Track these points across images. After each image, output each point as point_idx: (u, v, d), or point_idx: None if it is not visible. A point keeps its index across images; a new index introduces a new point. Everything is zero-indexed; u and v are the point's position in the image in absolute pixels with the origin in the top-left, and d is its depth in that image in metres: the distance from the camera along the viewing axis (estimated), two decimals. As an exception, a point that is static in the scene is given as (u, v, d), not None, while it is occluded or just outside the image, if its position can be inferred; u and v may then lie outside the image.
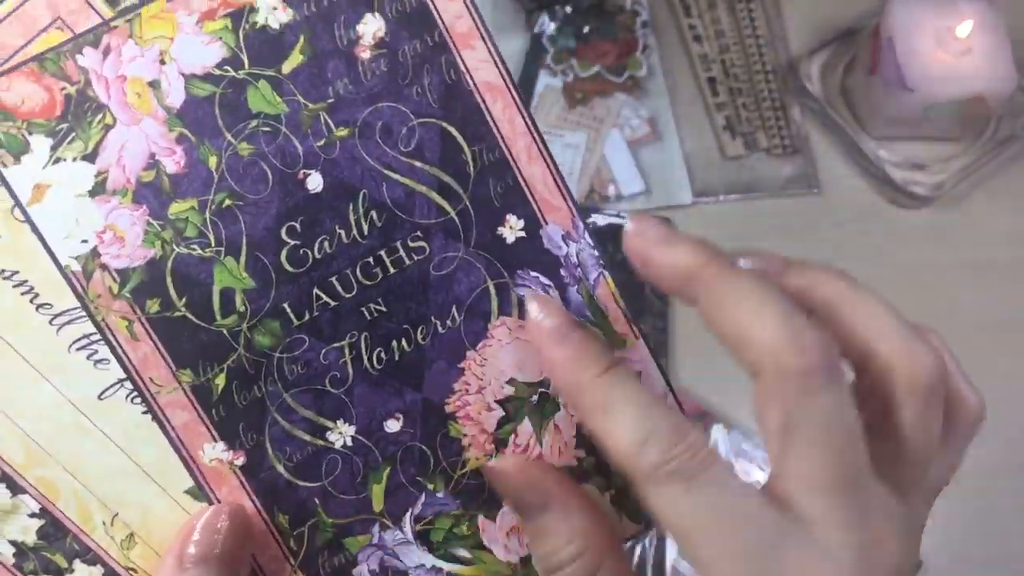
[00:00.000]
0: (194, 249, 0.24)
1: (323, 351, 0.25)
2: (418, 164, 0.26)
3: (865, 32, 0.61)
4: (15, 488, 0.24)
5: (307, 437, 0.26)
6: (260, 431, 0.25)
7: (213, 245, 0.24)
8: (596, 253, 0.27)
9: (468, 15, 0.26)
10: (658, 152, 0.60)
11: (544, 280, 0.27)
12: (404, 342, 0.26)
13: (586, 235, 0.27)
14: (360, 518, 0.26)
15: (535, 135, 0.26)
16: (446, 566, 0.27)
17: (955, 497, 0.59)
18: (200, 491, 0.26)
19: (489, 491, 0.27)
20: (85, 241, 0.24)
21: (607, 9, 0.62)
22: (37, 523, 0.25)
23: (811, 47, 0.62)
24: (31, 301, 0.24)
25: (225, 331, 0.25)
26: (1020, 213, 0.61)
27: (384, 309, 0.26)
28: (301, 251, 0.25)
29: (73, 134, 0.23)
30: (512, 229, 0.26)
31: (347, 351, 0.26)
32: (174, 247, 0.24)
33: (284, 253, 0.25)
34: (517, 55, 0.62)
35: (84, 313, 0.24)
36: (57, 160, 0.23)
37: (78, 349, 0.24)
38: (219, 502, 0.26)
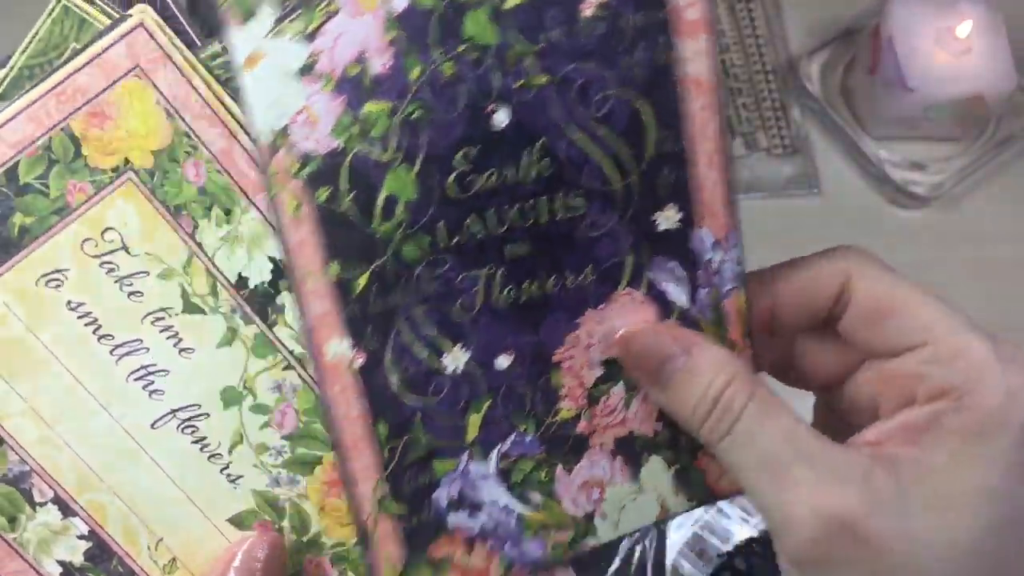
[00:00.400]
0: (374, 151, 0.25)
1: (461, 276, 0.26)
2: (602, 131, 0.26)
3: (865, 32, 0.61)
4: (67, 511, 0.25)
5: (424, 354, 0.26)
6: (384, 338, 0.26)
7: (392, 151, 0.25)
8: (740, 269, 0.28)
9: (700, 4, 0.26)
10: (658, 152, 0.60)
11: (680, 272, 0.27)
12: (535, 285, 0.26)
13: (735, 251, 0.28)
14: (453, 444, 0.27)
15: (722, 143, 0.27)
16: (518, 507, 0.27)
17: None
18: (314, 387, 0.26)
19: (572, 442, 0.28)
20: (281, 117, 0.24)
21: (607, 9, 0.62)
22: (85, 545, 0.25)
23: (811, 47, 0.62)
24: (94, 332, 0.25)
25: (379, 235, 0.25)
26: (1020, 213, 0.61)
27: (526, 251, 0.26)
28: (468, 178, 0.25)
29: (298, 12, 0.24)
30: (668, 219, 0.27)
31: (482, 280, 0.26)
32: (356, 144, 0.25)
33: (453, 176, 0.25)
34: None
35: (143, 345, 0.25)
36: (277, 33, 0.24)
37: (135, 379, 0.25)
38: (333, 405, 0.26)
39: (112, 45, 0.24)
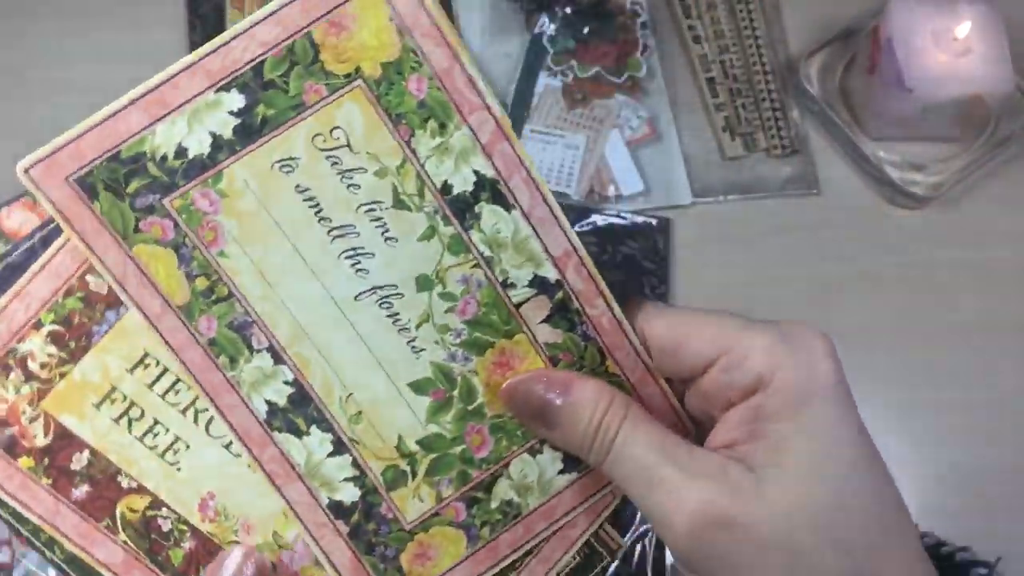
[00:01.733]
0: None
1: None
2: None
3: (864, 32, 0.61)
4: (277, 359, 0.29)
5: None
6: None
7: None
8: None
9: None
10: (658, 153, 0.60)
11: None
12: None
13: None
14: None
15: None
16: None
17: (955, 496, 0.59)
18: (497, 286, 0.30)
19: None
20: None
21: (607, 10, 0.62)
22: (289, 390, 0.29)
23: (810, 47, 0.63)
24: (315, 214, 0.29)
25: None
26: (1019, 213, 0.61)
27: None
28: None
29: None
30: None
31: None
32: None
33: None
34: (517, 56, 0.62)
35: (355, 230, 0.29)
36: None
37: (346, 257, 0.29)
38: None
39: None
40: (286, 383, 0.29)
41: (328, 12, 0.27)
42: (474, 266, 0.29)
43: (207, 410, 0.30)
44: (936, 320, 0.58)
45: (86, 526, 0.30)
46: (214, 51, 0.27)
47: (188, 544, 0.30)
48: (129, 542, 0.30)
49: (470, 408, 0.30)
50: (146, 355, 0.30)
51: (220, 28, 0.61)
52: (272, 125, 0.28)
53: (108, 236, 0.28)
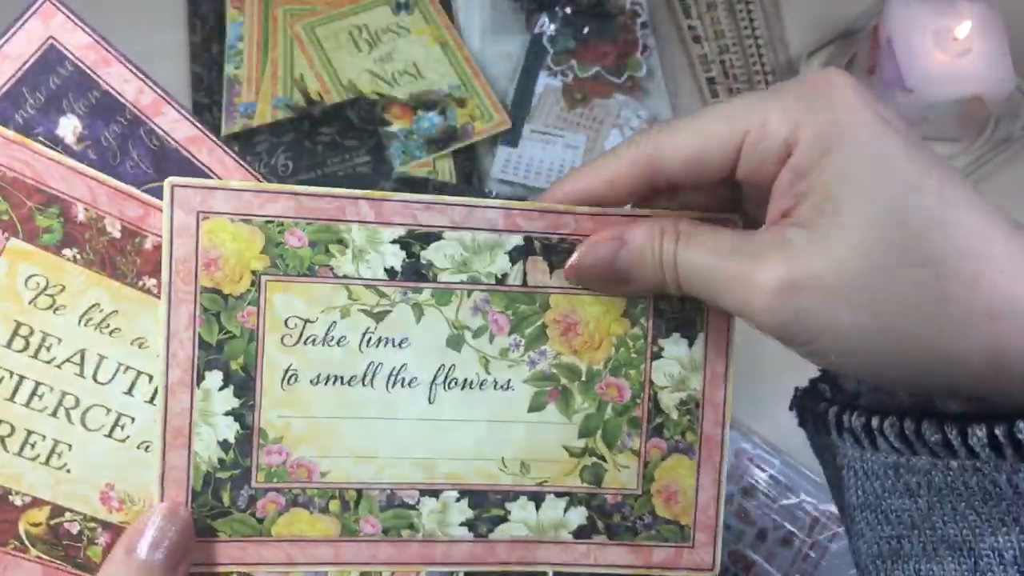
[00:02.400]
0: None
1: None
2: None
3: (864, 32, 0.61)
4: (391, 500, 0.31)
5: None
6: None
7: None
8: None
9: (147, 88, 0.30)
10: (658, 152, 0.60)
11: None
12: None
13: None
14: None
15: (245, 167, 0.31)
16: None
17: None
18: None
19: None
20: None
21: (607, 10, 0.62)
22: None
23: (811, 47, 0.63)
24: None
25: None
26: (1020, 213, 0.61)
27: None
28: None
29: None
30: None
31: None
32: None
33: None
34: (517, 56, 0.62)
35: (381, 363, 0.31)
36: None
37: (392, 385, 0.31)
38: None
39: None
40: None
41: None
42: (468, 295, 0.30)
43: (75, 406, 0.29)
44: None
45: None
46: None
47: (103, 539, 0.29)
48: (43, 555, 0.29)
49: (582, 380, 0.31)
50: (-4, 370, 0.29)
51: (220, 28, 0.61)
52: None
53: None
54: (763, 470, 0.56)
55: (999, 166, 0.61)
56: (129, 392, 0.29)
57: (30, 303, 0.29)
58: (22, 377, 0.29)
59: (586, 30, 0.62)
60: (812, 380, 0.32)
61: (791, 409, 0.32)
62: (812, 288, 0.25)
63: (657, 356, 0.31)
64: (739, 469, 0.56)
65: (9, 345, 0.29)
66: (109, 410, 0.29)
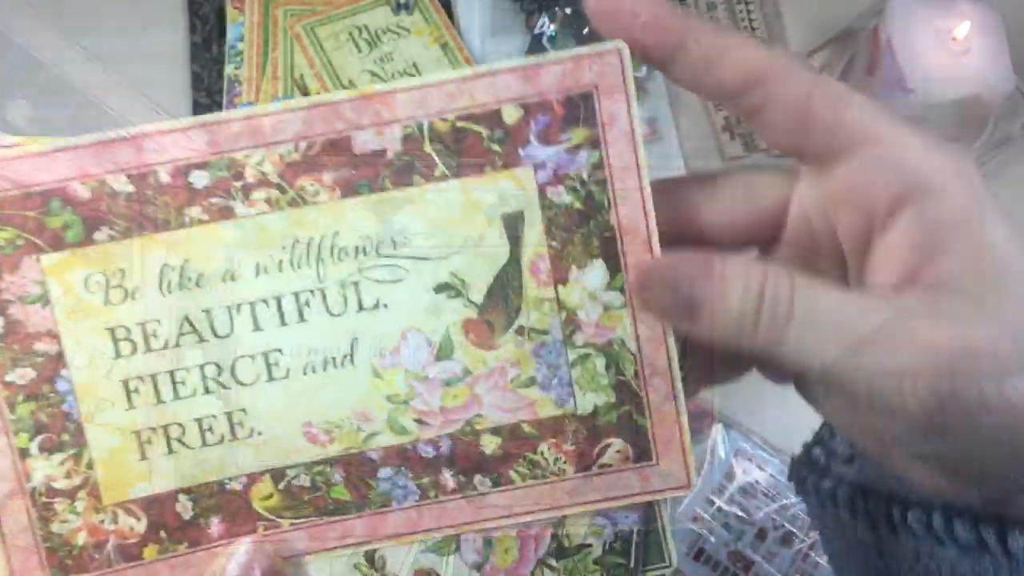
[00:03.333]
0: None
1: None
2: None
3: (864, 32, 0.61)
4: None
5: None
6: None
7: None
8: None
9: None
10: (657, 153, 0.60)
11: None
12: None
13: None
14: None
15: None
16: None
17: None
18: None
19: None
20: None
21: (607, 10, 0.62)
22: None
23: (810, 47, 0.63)
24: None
25: None
26: (1020, 213, 0.61)
27: None
28: None
29: None
30: None
31: None
32: None
33: None
34: (517, 56, 0.62)
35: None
36: None
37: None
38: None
39: None
40: None
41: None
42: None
43: (218, 372, 0.26)
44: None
45: (268, 539, 0.27)
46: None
47: (337, 475, 0.27)
48: (295, 520, 0.27)
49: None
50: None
51: (220, 28, 0.61)
52: None
53: None
54: (763, 470, 0.56)
55: (999, 166, 0.61)
56: (256, 328, 0.26)
57: (106, 304, 0.26)
58: (152, 376, 0.26)
59: (586, 30, 0.62)
60: (806, 445, 0.30)
61: (789, 480, 0.30)
62: (987, 360, 0.21)
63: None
64: (739, 469, 0.56)
65: (118, 354, 0.26)
66: (252, 356, 0.26)
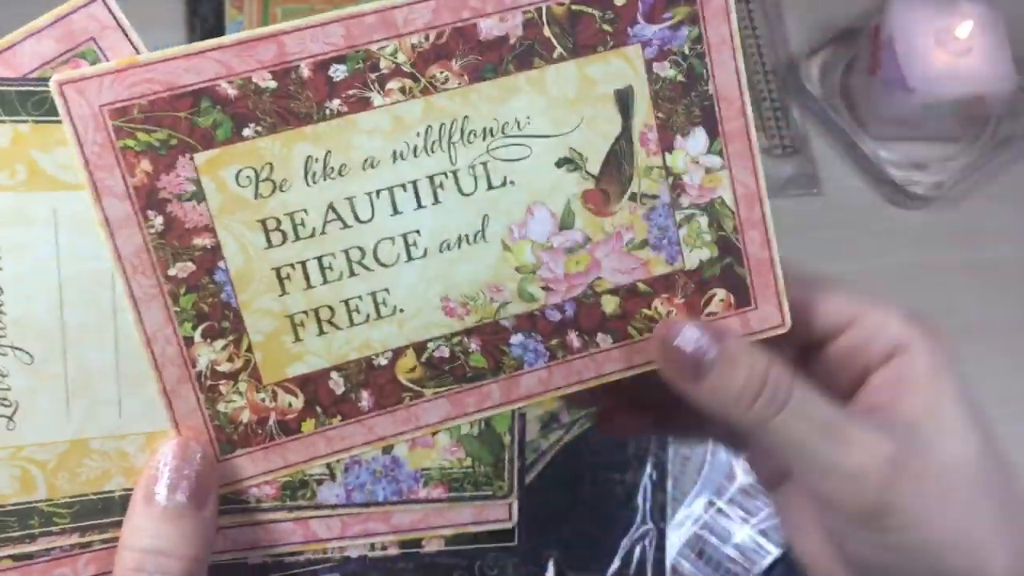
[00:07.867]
0: None
1: None
2: None
3: (865, 32, 0.61)
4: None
5: None
6: None
7: None
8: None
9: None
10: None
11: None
12: None
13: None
14: None
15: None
16: None
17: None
18: None
19: None
20: None
21: (607, 9, 0.62)
22: None
23: (811, 47, 0.63)
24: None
25: None
26: (1020, 213, 0.61)
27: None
28: None
29: None
30: None
31: None
32: None
33: None
34: None
35: None
36: None
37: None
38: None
39: None
40: None
41: None
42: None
43: (362, 255, 0.28)
44: (936, 320, 0.58)
45: (390, 418, 0.29)
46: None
47: (474, 344, 0.29)
48: (439, 389, 0.29)
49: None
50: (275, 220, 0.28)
51: (220, 28, 0.61)
52: None
53: None
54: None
55: (1000, 166, 0.61)
56: (395, 212, 0.28)
57: (256, 198, 0.27)
58: (302, 263, 0.28)
59: None
60: None
61: None
62: (925, 479, 0.27)
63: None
64: (739, 470, 0.56)
65: (270, 244, 0.28)
66: (392, 238, 0.28)
